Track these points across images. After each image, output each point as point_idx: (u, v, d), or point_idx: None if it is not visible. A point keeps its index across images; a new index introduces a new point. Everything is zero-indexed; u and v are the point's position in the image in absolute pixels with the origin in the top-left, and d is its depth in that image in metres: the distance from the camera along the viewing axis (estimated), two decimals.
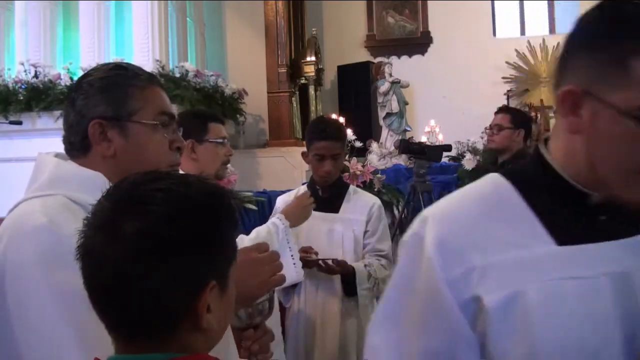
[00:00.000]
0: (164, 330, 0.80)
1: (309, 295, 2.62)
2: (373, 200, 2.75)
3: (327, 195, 2.66)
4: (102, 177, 1.15)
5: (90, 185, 1.11)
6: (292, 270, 2.17)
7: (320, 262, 2.52)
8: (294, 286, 2.60)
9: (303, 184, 2.86)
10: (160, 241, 0.77)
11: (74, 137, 1.23)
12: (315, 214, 2.55)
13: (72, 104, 1.23)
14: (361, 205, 2.68)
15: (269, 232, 2.21)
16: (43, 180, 1.18)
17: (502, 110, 3.80)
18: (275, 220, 2.27)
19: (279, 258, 1.25)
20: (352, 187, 2.78)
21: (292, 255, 2.21)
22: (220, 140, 2.25)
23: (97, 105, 1.20)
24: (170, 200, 0.80)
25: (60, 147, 1.28)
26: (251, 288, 1.21)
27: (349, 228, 2.64)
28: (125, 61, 5.78)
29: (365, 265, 2.59)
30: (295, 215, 2.34)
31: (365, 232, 2.66)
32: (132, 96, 1.22)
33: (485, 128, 3.83)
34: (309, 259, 2.49)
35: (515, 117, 3.61)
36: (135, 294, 0.77)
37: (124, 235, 0.77)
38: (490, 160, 5.17)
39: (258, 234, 2.20)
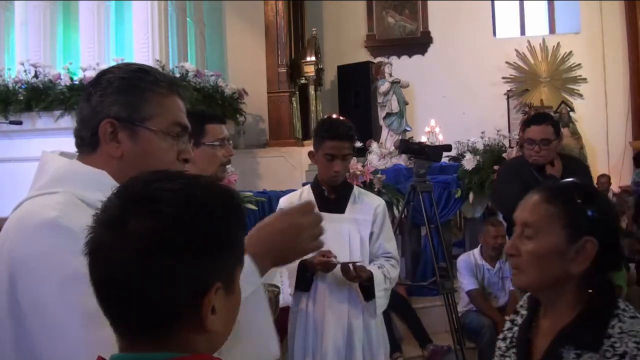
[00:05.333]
0: (166, 330, 0.79)
1: (319, 295, 2.62)
2: (378, 201, 2.75)
3: (333, 196, 2.66)
4: (107, 176, 1.15)
5: (95, 183, 1.11)
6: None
7: (349, 265, 2.52)
8: (307, 290, 2.62)
9: (304, 184, 2.85)
10: (167, 241, 0.77)
11: (84, 132, 1.22)
12: (321, 214, 2.55)
13: (88, 98, 1.22)
14: (367, 205, 2.68)
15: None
16: (48, 178, 1.18)
17: (543, 121, 3.40)
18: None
19: (321, 221, 1.25)
20: (356, 188, 2.77)
21: (281, 281, 2.23)
22: (217, 143, 2.21)
23: (112, 105, 1.19)
24: (178, 201, 0.79)
25: (60, 147, 1.28)
26: (288, 252, 1.22)
27: (355, 228, 2.64)
28: (126, 61, 5.79)
29: (378, 267, 2.60)
30: None
31: (371, 233, 2.66)
32: (149, 102, 1.21)
33: (521, 142, 3.37)
34: (330, 263, 2.49)
35: (556, 126, 3.37)
36: (139, 292, 0.77)
37: (130, 233, 0.77)
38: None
39: None
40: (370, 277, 2.55)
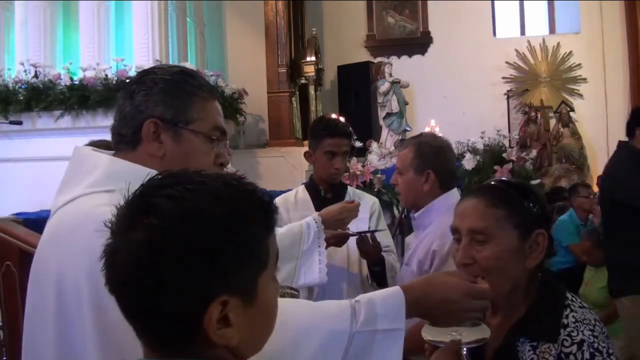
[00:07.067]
0: (178, 340, 0.78)
1: (315, 293, 2.61)
2: (373, 199, 2.79)
3: (330, 195, 2.67)
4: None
5: None
6: (316, 273, 2.20)
7: (363, 235, 2.43)
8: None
9: (304, 184, 2.85)
10: (160, 253, 0.75)
11: (125, 130, 1.23)
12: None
13: (131, 96, 1.23)
14: (363, 204, 2.69)
15: (301, 231, 2.21)
16: (98, 175, 1.17)
17: None
18: (311, 220, 2.25)
19: (488, 296, 1.22)
20: (350, 188, 2.82)
21: (319, 260, 2.22)
22: None
23: (157, 105, 1.21)
24: (176, 210, 0.77)
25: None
26: (439, 318, 1.20)
27: (353, 227, 2.64)
28: (125, 61, 5.79)
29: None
30: (333, 220, 2.30)
31: (369, 228, 2.66)
32: (194, 105, 1.23)
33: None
34: (345, 234, 2.39)
35: None
36: (142, 303, 0.77)
37: (131, 242, 0.77)
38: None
39: (290, 229, 2.19)
40: (381, 261, 2.50)
